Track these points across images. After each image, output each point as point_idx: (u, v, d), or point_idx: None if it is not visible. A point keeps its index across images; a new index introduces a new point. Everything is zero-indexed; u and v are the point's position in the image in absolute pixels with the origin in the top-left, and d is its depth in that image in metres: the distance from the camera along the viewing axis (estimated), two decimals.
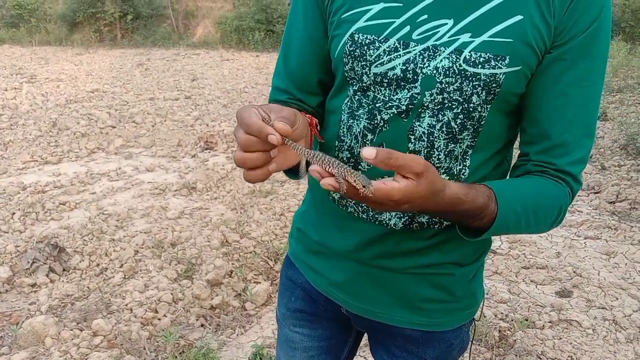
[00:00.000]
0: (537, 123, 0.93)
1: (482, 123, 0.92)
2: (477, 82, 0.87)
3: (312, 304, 1.19)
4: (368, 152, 0.72)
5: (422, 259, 1.03)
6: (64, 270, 3.46)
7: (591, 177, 4.80)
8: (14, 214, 4.23)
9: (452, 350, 1.14)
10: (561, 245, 3.77)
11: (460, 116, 0.91)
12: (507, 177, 1.03)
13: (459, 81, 0.88)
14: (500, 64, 0.86)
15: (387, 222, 1.00)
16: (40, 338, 2.62)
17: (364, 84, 0.96)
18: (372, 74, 0.94)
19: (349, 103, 1.00)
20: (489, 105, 0.91)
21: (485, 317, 2.82)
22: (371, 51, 0.92)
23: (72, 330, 2.69)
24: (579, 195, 4.56)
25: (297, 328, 1.23)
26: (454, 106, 0.90)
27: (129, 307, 2.89)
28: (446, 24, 0.88)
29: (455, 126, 0.92)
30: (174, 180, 5.00)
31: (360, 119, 0.97)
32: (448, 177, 0.96)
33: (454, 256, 1.04)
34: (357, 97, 0.98)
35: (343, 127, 1.01)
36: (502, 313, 2.90)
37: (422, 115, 0.92)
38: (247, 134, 0.74)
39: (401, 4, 0.90)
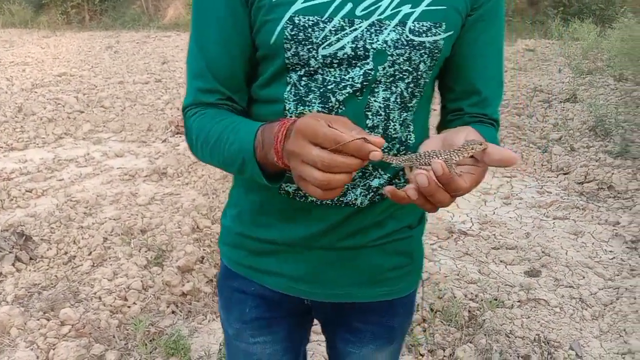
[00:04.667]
0: (466, 81, 1.03)
1: (425, 88, 0.99)
2: (423, 51, 0.92)
3: (269, 307, 1.14)
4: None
5: (382, 230, 1.06)
6: (30, 259, 3.38)
7: (560, 158, 4.87)
8: None
9: (413, 311, 1.22)
10: (530, 225, 3.83)
11: (411, 85, 0.96)
12: (442, 130, 1.08)
13: (408, 52, 0.92)
14: (439, 30, 0.92)
15: (354, 202, 1.00)
16: (5, 329, 2.56)
17: (311, 68, 0.92)
18: (320, 57, 0.90)
19: (293, 90, 0.94)
20: (431, 71, 0.97)
21: (455, 297, 2.85)
22: (317, 33, 0.89)
23: (38, 320, 2.64)
24: (548, 177, 4.64)
25: (257, 338, 1.16)
26: (405, 77, 0.94)
27: (98, 296, 2.84)
28: None
29: (407, 95, 0.96)
30: (144, 165, 4.92)
31: (313, 104, 0.94)
32: (400, 146, 0.99)
33: (408, 220, 1.09)
34: (303, 83, 0.93)
35: (292, 117, 0.95)
36: (472, 293, 2.94)
37: (376, 90, 0.93)
38: (332, 153, 0.68)
39: None
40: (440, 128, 1.09)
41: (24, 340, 2.51)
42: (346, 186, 0.97)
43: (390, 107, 0.95)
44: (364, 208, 1.01)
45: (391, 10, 0.90)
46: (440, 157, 0.73)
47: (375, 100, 0.94)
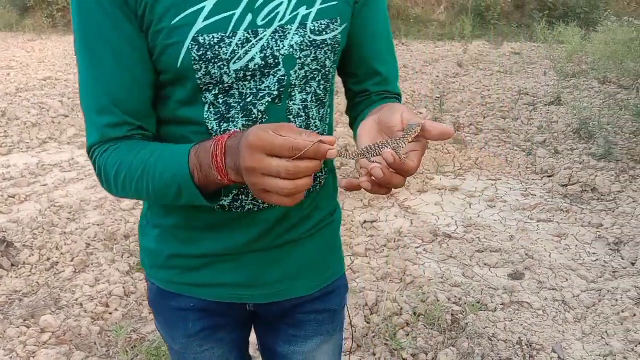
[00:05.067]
0: (366, 64, 1.09)
1: (333, 82, 1.05)
2: (326, 48, 0.97)
3: (212, 318, 1.14)
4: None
5: (311, 222, 1.11)
6: (12, 265, 3.35)
7: (545, 161, 4.89)
8: None
9: (347, 289, 1.27)
10: (514, 228, 3.85)
11: (322, 82, 1.00)
12: (356, 113, 1.13)
13: (314, 52, 0.95)
14: (336, 25, 0.97)
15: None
16: None
17: (226, 85, 0.91)
18: (232, 72, 0.90)
19: (212, 110, 0.93)
20: (335, 65, 1.03)
21: (438, 301, 2.85)
22: (224, 49, 0.88)
23: (18, 327, 2.61)
24: (532, 179, 4.66)
25: (204, 347, 1.17)
26: (315, 76, 0.98)
27: (79, 302, 2.82)
28: (282, 3, 0.91)
29: (321, 92, 1.01)
30: None
31: (236, 120, 0.94)
32: None
33: (328, 208, 1.15)
34: (221, 101, 0.93)
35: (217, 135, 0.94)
36: (455, 297, 2.95)
37: (293, 94, 0.97)
38: (294, 160, 0.71)
39: None
40: (350, 111, 1.16)
41: (3, 348, 2.48)
42: None
43: (309, 106, 0.99)
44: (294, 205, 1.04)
45: (290, 14, 0.92)
46: (389, 147, 0.79)
47: (294, 104, 0.97)
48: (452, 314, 2.75)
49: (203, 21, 0.86)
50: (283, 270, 1.10)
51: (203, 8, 0.86)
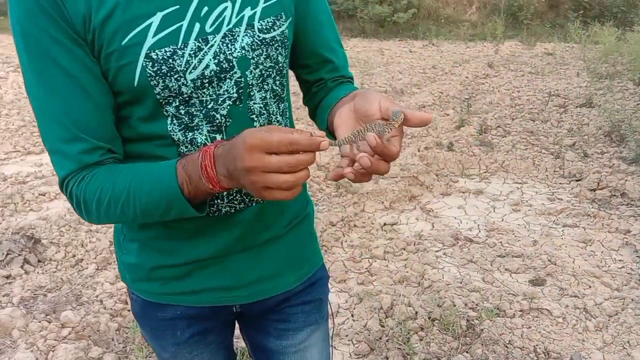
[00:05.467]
0: (315, 54, 1.12)
1: (287, 76, 1.07)
2: (276, 45, 0.99)
3: (200, 324, 1.15)
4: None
5: (286, 216, 1.13)
6: (39, 261, 3.45)
7: (573, 164, 4.78)
8: None
9: (328, 277, 1.29)
10: (539, 233, 3.77)
11: (277, 78, 1.03)
12: (315, 102, 1.15)
13: (265, 50, 0.97)
14: (282, 21, 0.99)
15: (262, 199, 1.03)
16: (7, 330, 2.62)
17: (185, 96, 0.92)
18: (189, 82, 0.91)
19: (175, 122, 0.94)
20: (287, 59, 1.05)
21: (455, 306, 2.82)
22: (178, 61, 0.89)
23: (40, 322, 2.69)
24: (560, 183, 4.56)
25: (194, 352, 1.18)
26: (270, 73, 1.00)
27: (99, 299, 2.89)
28: (226, 7, 0.93)
29: (278, 88, 1.03)
30: None
31: (201, 127, 0.95)
32: None
33: (300, 199, 1.17)
34: (183, 112, 0.93)
35: (184, 146, 0.96)
36: (472, 302, 2.90)
37: (252, 94, 0.98)
38: (293, 154, 0.75)
39: (177, 6, 0.88)
40: (308, 102, 1.18)
41: (24, 341, 2.56)
42: None
43: (269, 104, 1.02)
44: (267, 201, 1.06)
45: (235, 17, 0.93)
46: (374, 131, 0.82)
47: (254, 103, 0.99)
48: (468, 320, 2.72)
49: (153, 37, 0.87)
50: (265, 268, 1.11)
51: (151, 24, 0.87)
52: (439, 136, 5.60)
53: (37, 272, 3.30)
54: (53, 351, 2.50)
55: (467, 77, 7.97)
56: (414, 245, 3.62)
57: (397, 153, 0.83)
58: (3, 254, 3.44)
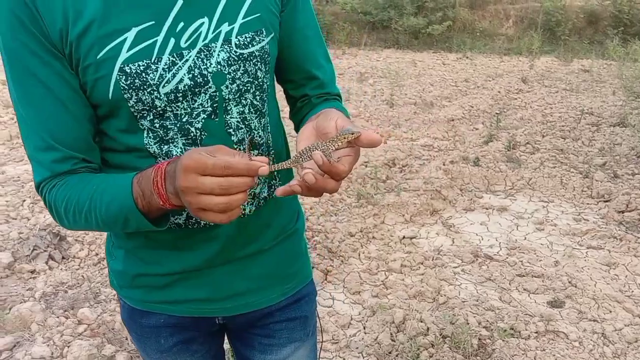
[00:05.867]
0: (301, 69, 1.12)
1: (268, 91, 1.06)
2: (255, 60, 0.99)
3: (183, 332, 1.17)
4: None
5: (273, 230, 1.13)
6: (62, 258, 3.55)
7: (602, 185, 4.67)
8: (24, 201, 4.35)
9: (316, 294, 1.29)
10: (561, 254, 3.69)
11: (257, 93, 1.02)
12: (299, 117, 1.16)
13: (242, 65, 0.97)
14: (262, 37, 0.99)
15: (243, 212, 1.05)
16: (26, 324, 2.70)
17: (159, 109, 0.94)
18: (163, 95, 0.92)
19: (151, 134, 0.96)
20: (268, 74, 1.04)
21: (468, 324, 2.78)
22: (151, 75, 0.90)
23: (58, 317, 2.77)
24: (587, 204, 4.46)
25: (179, 359, 1.20)
26: (249, 88, 1.00)
27: (116, 298, 2.95)
28: (203, 23, 0.93)
29: (258, 103, 1.03)
30: None
31: (176, 140, 0.96)
32: (267, 149, 1.06)
33: (289, 212, 1.18)
34: (157, 125, 0.95)
35: (161, 159, 0.97)
36: (487, 321, 2.86)
37: (229, 108, 0.98)
38: (226, 177, 0.74)
39: (153, 22, 0.90)
40: (293, 117, 1.19)
41: (42, 336, 2.63)
42: None
43: (248, 118, 1.01)
44: (252, 215, 1.07)
45: (212, 33, 0.94)
46: (319, 149, 0.82)
47: (231, 117, 0.99)
48: (480, 339, 2.68)
49: (127, 51, 0.89)
50: (248, 282, 1.12)
51: (125, 39, 0.89)
52: (466, 150, 5.54)
53: (60, 269, 3.39)
54: (68, 347, 2.56)
55: (499, 92, 7.87)
56: (432, 260, 3.59)
57: (344, 172, 0.82)
58: (29, 249, 3.55)
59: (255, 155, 1.01)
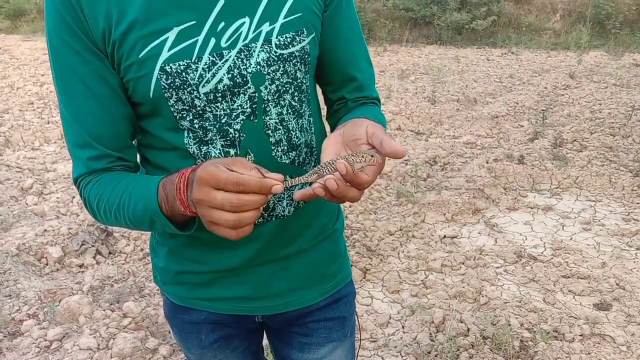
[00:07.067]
0: (340, 71, 1.11)
1: (308, 92, 1.06)
2: (295, 60, 0.98)
3: (223, 329, 1.19)
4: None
5: (312, 230, 1.13)
6: (109, 253, 3.67)
7: None
8: (73, 197, 4.51)
9: (355, 295, 1.28)
10: (609, 255, 3.57)
11: (295, 94, 1.02)
12: (335, 120, 1.15)
13: (282, 66, 0.97)
14: (302, 37, 0.98)
15: (282, 213, 1.05)
16: (75, 316, 2.80)
17: (198, 109, 0.94)
18: (202, 95, 0.93)
19: (190, 135, 0.97)
20: (308, 75, 1.04)
21: (509, 325, 2.73)
22: (191, 75, 0.91)
23: (104, 310, 2.86)
24: (637, 203, 4.30)
25: (218, 356, 1.23)
26: (288, 89, 1.00)
27: (160, 292, 3.02)
28: (244, 23, 0.93)
29: (296, 104, 1.03)
30: None
31: (215, 142, 0.97)
32: (307, 150, 1.05)
33: (328, 212, 1.18)
34: (197, 126, 0.96)
35: (200, 160, 0.98)
36: (529, 322, 2.80)
37: (268, 109, 0.98)
38: (238, 194, 0.74)
39: (194, 22, 0.90)
40: (330, 119, 1.19)
41: (89, 328, 2.73)
42: (273, 200, 1.03)
43: (286, 119, 1.01)
44: (292, 216, 1.07)
45: (253, 33, 0.94)
46: (342, 159, 0.81)
47: (270, 119, 0.99)
48: (522, 340, 2.62)
49: (168, 51, 0.90)
50: (288, 281, 1.13)
51: (167, 39, 0.90)
52: (510, 148, 5.42)
53: (107, 263, 3.51)
54: (113, 339, 2.65)
55: (545, 88, 7.66)
56: (474, 260, 3.53)
57: (368, 182, 0.82)
58: (78, 244, 3.68)
59: (289, 161, 1.02)
